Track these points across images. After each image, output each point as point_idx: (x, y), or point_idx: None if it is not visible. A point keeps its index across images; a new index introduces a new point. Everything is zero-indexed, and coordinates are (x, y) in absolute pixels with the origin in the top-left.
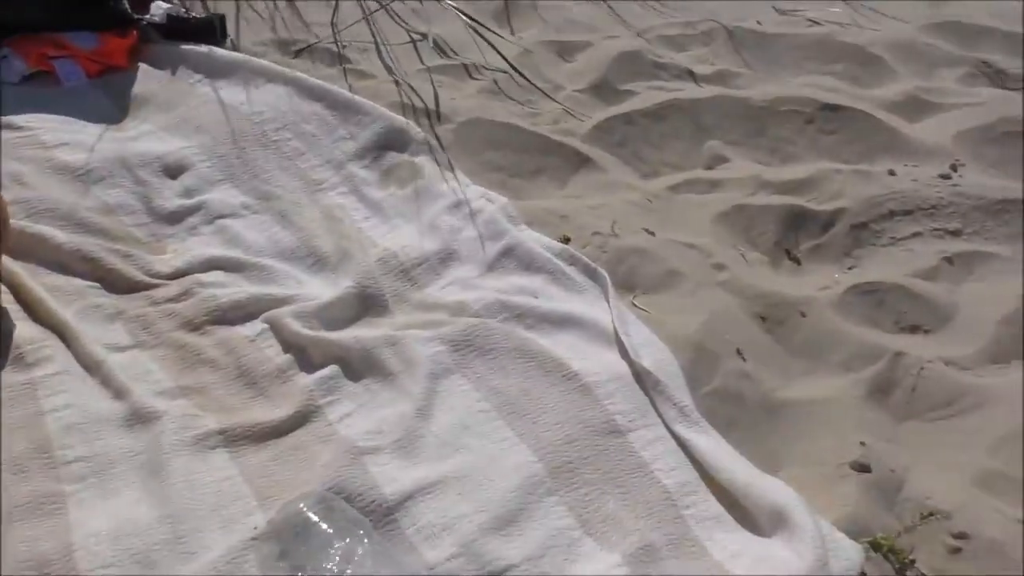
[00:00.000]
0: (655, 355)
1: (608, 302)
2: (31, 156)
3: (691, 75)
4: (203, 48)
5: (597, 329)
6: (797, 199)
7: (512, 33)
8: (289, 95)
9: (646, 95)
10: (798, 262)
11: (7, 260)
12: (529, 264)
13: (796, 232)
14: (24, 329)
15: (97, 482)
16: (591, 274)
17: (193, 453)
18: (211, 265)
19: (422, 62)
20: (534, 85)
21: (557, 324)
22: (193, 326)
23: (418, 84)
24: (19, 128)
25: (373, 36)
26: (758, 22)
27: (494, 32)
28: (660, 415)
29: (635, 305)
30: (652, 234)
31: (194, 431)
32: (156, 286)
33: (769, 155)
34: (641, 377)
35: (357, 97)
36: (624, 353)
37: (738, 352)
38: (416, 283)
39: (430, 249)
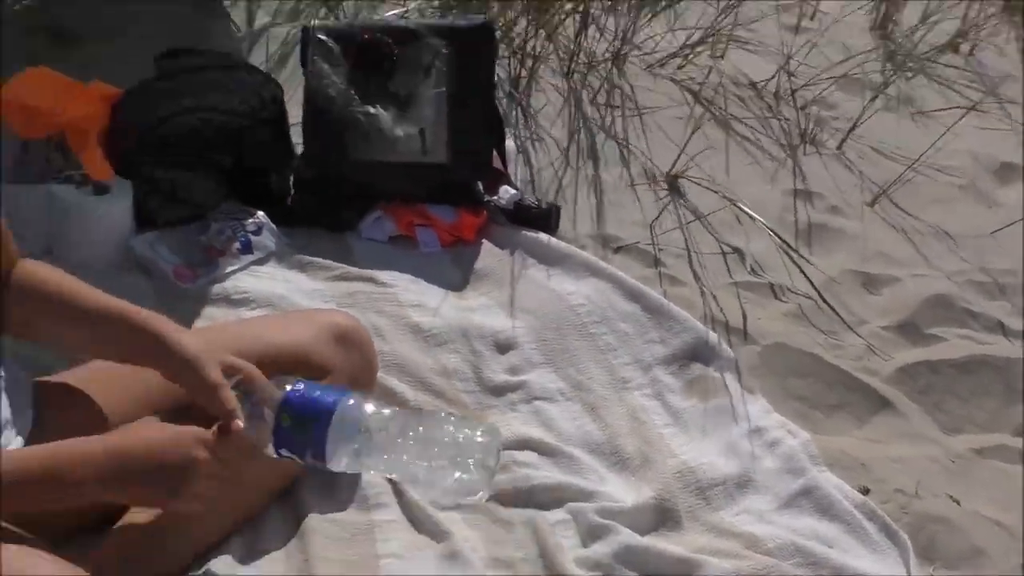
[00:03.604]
0: None
1: (907, 571)
2: (389, 312)
3: (1003, 328)
4: (539, 235)
5: None
6: None
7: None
8: (609, 291)
9: (955, 344)
10: None
11: None
12: (827, 510)
13: None
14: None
15: None
16: (891, 535)
17: None
18: (526, 445)
19: (730, 275)
20: (839, 316)
21: None
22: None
23: (726, 298)
24: (381, 284)
25: (686, 243)
26: None
27: (803, 256)
28: None
29: None
30: (957, 502)
31: None
32: None
33: None
34: None
35: (670, 304)
36: None
37: None
38: (711, 504)
39: (728, 472)
